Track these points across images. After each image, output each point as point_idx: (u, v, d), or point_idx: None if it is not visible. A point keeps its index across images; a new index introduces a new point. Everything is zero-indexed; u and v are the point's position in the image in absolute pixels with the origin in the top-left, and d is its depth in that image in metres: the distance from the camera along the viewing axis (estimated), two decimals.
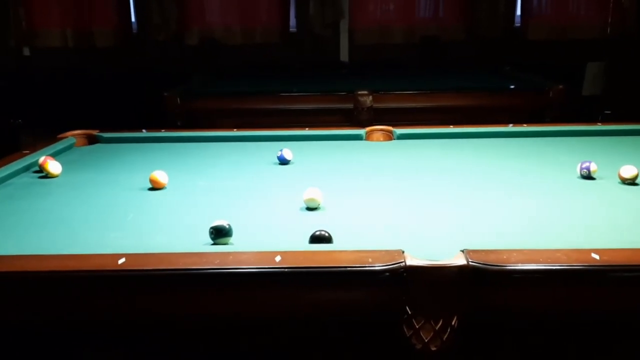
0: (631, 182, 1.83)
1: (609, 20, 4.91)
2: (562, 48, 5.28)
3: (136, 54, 5.44)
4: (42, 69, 5.40)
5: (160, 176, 1.88)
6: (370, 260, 1.22)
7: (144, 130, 2.67)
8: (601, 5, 5.06)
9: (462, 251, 1.25)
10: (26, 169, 2.10)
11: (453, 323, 1.20)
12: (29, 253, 1.30)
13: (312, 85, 3.83)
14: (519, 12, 5.49)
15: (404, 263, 1.20)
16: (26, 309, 1.25)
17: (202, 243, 1.39)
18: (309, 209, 1.66)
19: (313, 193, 1.66)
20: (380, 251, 1.25)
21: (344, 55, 5.43)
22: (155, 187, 1.88)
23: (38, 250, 1.32)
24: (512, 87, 3.90)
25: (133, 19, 5.54)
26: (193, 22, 5.46)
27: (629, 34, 5.18)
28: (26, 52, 5.40)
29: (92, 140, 2.56)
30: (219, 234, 1.39)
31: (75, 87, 5.33)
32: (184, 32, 5.46)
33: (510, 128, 2.61)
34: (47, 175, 2.03)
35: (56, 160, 2.09)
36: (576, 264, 1.22)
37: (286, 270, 1.21)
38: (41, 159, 2.06)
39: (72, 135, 2.53)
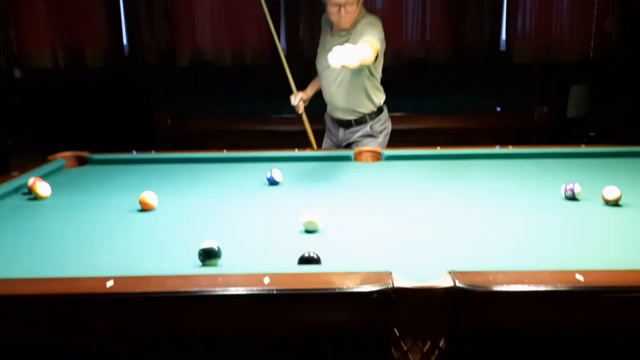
0: (614, 203, 1.86)
1: (592, 44, 5.02)
2: (546, 71, 5.38)
3: (127, 76, 5.46)
4: (33, 89, 5.40)
5: (150, 198, 1.89)
6: (358, 281, 1.23)
7: (134, 152, 2.68)
8: (584, 30, 5.18)
9: (449, 272, 1.26)
10: (15, 190, 2.09)
11: (441, 345, 1.21)
12: (17, 276, 1.29)
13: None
14: (504, 35, 5.60)
15: (391, 285, 1.21)
16: (14, 332, 1.25)
17: (191, 265, 1.40)
18: (307, 231, 1.66)
19: (312, 216, 1.66)
20: (369, 273, 1.26)
21: None
22: (144, 208, 1.88)
23: (26, 273, 1.32)
24: (498, 109, 3.96)
25: (125, 41, 5.58)
26: (184, 43, 5.49)
27: (611, 57, 5.30)
28: (17, 73, 5.40)
29: (82, 161, 2.56)
30: (208, 255, 1.39)
31: (65, 108, 5.32)
32: (175, 53, 5.49)
33: (497, 150, 2.65)
34: (36, 197, 2.02)
35: (46, 181, 2.09)
36: (561, 285, 1.24)
37: (275, 292, 1.22)
38: (30, 181, 2.06)
39: (62, 157, 2.52)
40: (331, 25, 2.89)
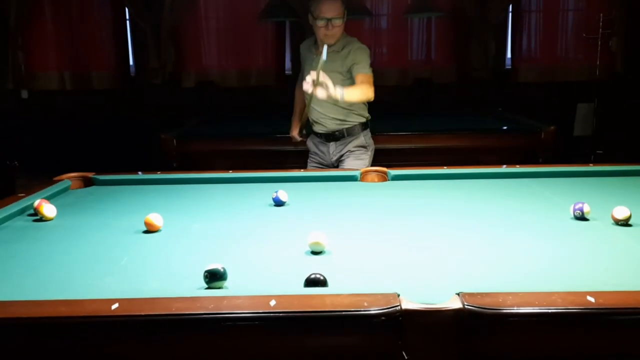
0: (624, 223, 1.83)
1: (598, 62, 5.03)
2: (552, 89, 5.39)
3: (133, 97, 5.52)
4: (40, 111, 5.46)
5: (155, 219, 1.88)
6: (365, 304, 1.21)
7: (139, 173, 2.68)
8: (589, 49, 5.21)
9: (458, 294, 1.25)
10: (21, 212, 2.09)
11: None
12: (22, 298, 1.29)
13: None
14: (509, 54, 5.63)
15: (399, 307, 1.20)
16: (18, 356, 1.23)
17: (196, 287, 1.39)
18: (313, 252, 1.65)
19: (319, 237, 1.66)
20: (376, 295, 1.25)
21: None
22: (150, 230, 1.88)
23: (31, 296, 1.31)
24: (504, 128, 3.96)
25: (131, 63, 5.65)
26: (190, 65, 5.56)
27: (617, 75, 5.31)
28: (24, 94, 5.46)
29: (87, 182, 2.57)
30: (214, 277, 1.38)
31: (72, 130, 5.37)
32: (181, 74, 5.55)
33: (504, 169, 2.64)
34: (42, 219, 2.02)
35: (51, 203, 2.09)
36: (572, 307, 1.22)
37: (281, 314, 1.20)
38: (36, 202, 2.06)
39: (68, 178, 2.53)
40: (314, 46, 3.04)
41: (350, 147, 3.08)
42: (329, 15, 2.86)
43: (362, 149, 3.09)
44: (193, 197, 2.36)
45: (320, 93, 2.58)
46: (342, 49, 2.95)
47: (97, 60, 5.48)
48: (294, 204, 2.20)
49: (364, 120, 3.11)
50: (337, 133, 3.08)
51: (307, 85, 2.59)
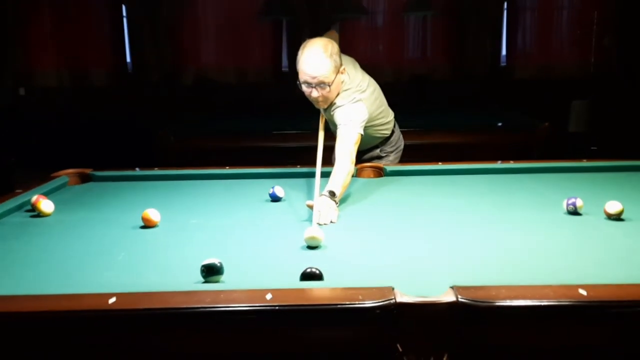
0: (616, 217, 1.85)
1: (592, 60, 5.05)
2: (547, 86, 5.41)
3: (131, 94, 5.51)
4: (37, 108, 5.45)
5: (153, 214, 1.89)
6: (360, 297, 1.23)
7: (137, 169, 2.69)
8: (584, 46, 5.23)
9: (452, 287, 1.26)
10: (19, 208, 2.10)
11: None
12: (20, 293, 1.30)
13: (305, 123, 3.87)
14: (504, 52, 5.65)
15: (394, 300, 1.21)
16: (18, 349, 1.25)
17: (193, 281, 1.40)
18: (309, 247, 1.66)
19: (315, 232, 1.67)
20: (371, 288, 1.26)
21: None
22: (147, 225, 1.89)
23: (29, 290, 1.32)
24: (499, 124, 3.97)
25: (128, 59, 5.64)
26: (187, 62, 5.56)
27: (611, 72, 5.33)
28: (22, 91, 5.46)
29: (85, 178, 2.57)
30: (210, 272, 1.39)
31: (69, 126, 5.37)
32: (179, 71, 5.55)
33: (499, 165, 2.65)
34: (40, 214, 2.03)
35: (49, 199, 2.09)
36: (564, 300, 1.24)
37: (277, 308, 1.22)
38: (34, 198, 2.07)
39: (66, 174, 2.53)
40: None
41: (363, 158, 2.73)
42: (311, 80, 2.30)
43: (377, 158, 2.80)
44: (190, 192, 2.37)
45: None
46: (328, 108, 2.45)
47: (95, 57, 5.47)
48: (290, 200, 2.21)
49: (382, 139, 2.78)
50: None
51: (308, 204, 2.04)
